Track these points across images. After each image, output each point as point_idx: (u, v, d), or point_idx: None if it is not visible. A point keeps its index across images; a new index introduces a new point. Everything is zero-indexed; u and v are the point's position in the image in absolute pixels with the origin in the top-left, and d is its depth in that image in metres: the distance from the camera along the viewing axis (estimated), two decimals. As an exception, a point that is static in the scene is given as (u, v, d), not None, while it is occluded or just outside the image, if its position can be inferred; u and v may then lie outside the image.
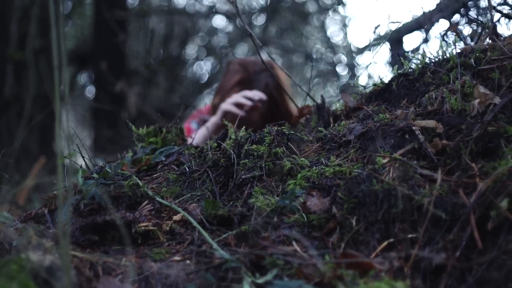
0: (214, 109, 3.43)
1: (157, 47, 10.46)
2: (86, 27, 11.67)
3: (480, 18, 3.21)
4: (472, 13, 3.36)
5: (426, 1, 2.96)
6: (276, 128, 2.04)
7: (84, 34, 11.92)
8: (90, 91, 11.90)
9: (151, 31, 9.76)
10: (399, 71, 2.28)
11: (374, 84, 2.36)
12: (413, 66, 2.26)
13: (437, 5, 3.52)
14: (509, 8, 2.68)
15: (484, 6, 3.03)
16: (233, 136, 2.11)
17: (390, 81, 2.29)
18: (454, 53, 2.19)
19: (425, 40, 3.72)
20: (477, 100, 1.89)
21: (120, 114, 6.98)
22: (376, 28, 4.04)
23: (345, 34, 7.59)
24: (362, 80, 5.09)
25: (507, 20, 2.59)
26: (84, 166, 2.30)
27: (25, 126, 6.79)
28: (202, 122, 3.52)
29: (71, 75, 11.68)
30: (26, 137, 6.96)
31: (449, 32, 3.01)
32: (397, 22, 3.71)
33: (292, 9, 8.20)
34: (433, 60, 2.25)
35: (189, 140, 3.10)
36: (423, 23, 3.64)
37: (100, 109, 7.92)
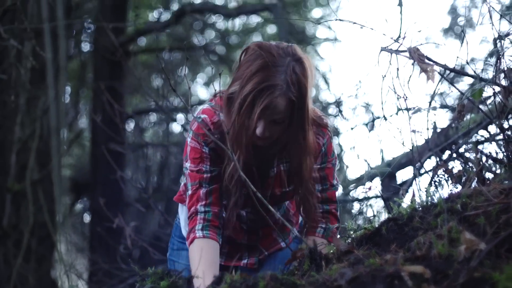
0: (229, 101, 2.77)
1: (153, 176, 10.62)
2: (84, 156, 11.87)
3: (469, 155, 3.30)
4: (461, 151, 3.47)
5: (417, 138, 3.05)
6: (269, 273, 2.08)
7: (83, 163, 12.10)
8: (88, 219, 11.96)
9: (148, 161, 9.92)
10: (388, 216, 2.35)
11: (365, 228, 2.43)
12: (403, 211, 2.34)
13: (426, 142, 3.64)
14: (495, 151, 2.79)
15: (471, 150, 3.14)
16: (228, 281, 2.15)
17: (380, 226, 2.36)
18: (442, 198, 2.27)
19: (416, 176, 3.80)
20: (464, 246, 1.95)
21: (118, 247, 6.99)
22: (369, 165, 4.15)
23: (340, 163, 7.68)
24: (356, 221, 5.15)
25: (493, 163, 2.69)
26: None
27: (23, 255, 6.80)
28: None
29: (69, 203, 11.76)
30: (23, 266, 6.95)
31: (439, 171, 3.10)
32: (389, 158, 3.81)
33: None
34: (421, 205, 2.33)
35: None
36: (413, 160, 3.73)
37: (97, 240, 7.95)
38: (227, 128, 2.74)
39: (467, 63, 2.83)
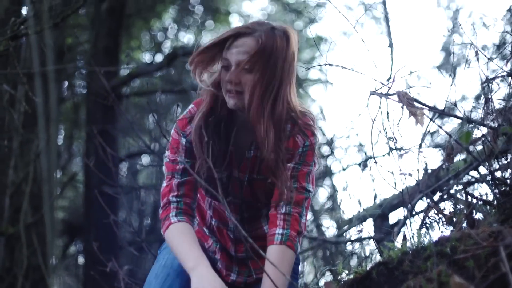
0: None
1: (147, 219, 10.62)
2: (78, 198, 11.86)
3: (459, 196, 3.32)
4: (452, 192, 3.49)
5: (408, 180, 3.08)
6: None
7: (76, 205, 12.09)
8: (81, 262, 11.93)
9: (141, 204, 9.91)
10: (379, 260, 2.37)
11: (356, 272, 2.44)
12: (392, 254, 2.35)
13: (417, 184, 3.65)
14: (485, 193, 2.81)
15: (461, 192, 3.16)
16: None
17: (371, 269, 2.37)
18: (432, 241, 2.28)
19: (408, 218, 3.81)
20: (453, 290, 1.96)
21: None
22: (361, 206, 4.16)
23: (334, 204, 7.70)
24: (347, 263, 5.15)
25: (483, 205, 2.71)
26: None
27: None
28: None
29: (63, 246, 11.72)
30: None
31: (430, 213, 3.12)
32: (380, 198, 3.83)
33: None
34: (411, 249, 2.34)
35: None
36: (404, 201, 3.74)
37: (91, 283, 7.90)
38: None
39: (455, 105, 2.87)
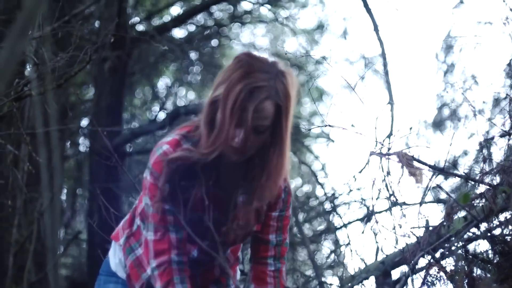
0: (213, 105, 2.55)
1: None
2: (82, 255, 11.86)
3: (460, 253, 3.34)
4: (453, 249, 3.51)
5: (409, 238, 3.11)
6: None
7: (80, 262, 12.08)
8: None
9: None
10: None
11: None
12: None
13: (418, 242, 3.68)
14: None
15: (461, 250, 3.19)
16: None
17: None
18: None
19: (409, 275, 3.82)
20: None
21: None
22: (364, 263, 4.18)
23: (338, 259, 7.69)
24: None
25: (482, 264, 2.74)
26: None
27: None
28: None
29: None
30: None
31: (431, 271, 3.15)
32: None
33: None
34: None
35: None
36: (406, 259, 3.76)
37: None
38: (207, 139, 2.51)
39: (455, 166, 2.92)
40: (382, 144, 2.89)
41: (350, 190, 8.01)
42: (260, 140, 2.55)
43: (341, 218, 8.19)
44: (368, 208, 7.68)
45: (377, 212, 3.30)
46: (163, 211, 2.60)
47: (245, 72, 2.51)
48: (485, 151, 2.93)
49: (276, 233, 2.80)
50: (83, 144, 11.59)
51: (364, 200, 7.78)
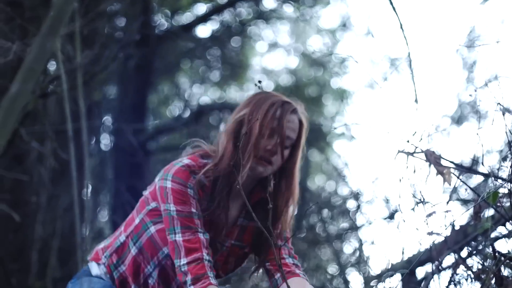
0: (238, 125, 2.71)
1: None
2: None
3: (487, 253, 3.32)
4: (480, 248, 3.48)
5: (435, 238, 3.10)
6: None
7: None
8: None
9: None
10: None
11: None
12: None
13: (445, 240, 3.66)
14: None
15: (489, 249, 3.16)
16: None
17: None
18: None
19: (435, 273, 3.80)
20: None
21: None
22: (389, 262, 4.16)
23: (361, 258, 7.67)
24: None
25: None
26: None
27: None
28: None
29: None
30: None
31: (458, 270, 3.13)
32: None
33: (304, 239, 8.41)
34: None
35: None
36: (433, 257, 3.74)
37: None
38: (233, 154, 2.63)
39: (482, 163, 2.90)
40: (411, 143, 2.88)
41: (374, 189, 7.97)
42: (284, 156, 2.68)
43: (365, 216, 8.16)
44: (392, 207, 7.65)
45: (402, 213, 3.27)
46: (191, 214, 2.65)
47: (267, 96, 2.70)
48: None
49: (281, 239, 2.85)
50: (108, 141, 11.62)
51: (388, 199, 7.74)
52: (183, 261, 2.63)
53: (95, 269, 2.91)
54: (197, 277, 2.60)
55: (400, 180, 2.85)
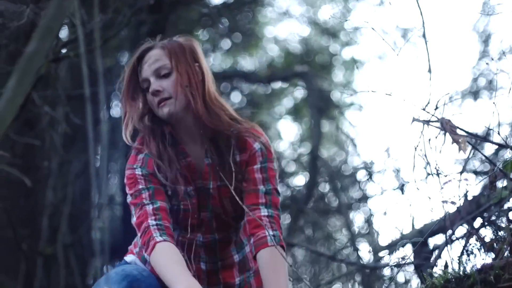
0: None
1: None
2: (115, 220, 11.94)
3: (500, 223, 3.30)
4: (493, 219, 3.47)
5: (448, 207, 3.07)
6: None
7: (114, 226, 12.17)
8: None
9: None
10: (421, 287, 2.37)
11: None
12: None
13: (458, 211, 3.65)
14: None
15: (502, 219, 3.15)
16: None
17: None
18: (475, 269, 2.28)
19: (448, 243, 3.79)
20: (498, 319, 1.96)
21: None
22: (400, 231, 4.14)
23: (370, 228, 7.67)
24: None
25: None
26: None
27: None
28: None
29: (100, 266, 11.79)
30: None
31: (471, 240, 3.11)
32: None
33: (315, 208, 8.43)
34: (454, 276, 2.34)
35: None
36: (445, 227, 3.73)
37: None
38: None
39: (498, 133, 2.87)
40: (426, 111, 2.85)
41: (386, 158, 7.95)
42: (175, 79, 2.78)
43: (376, 186, 8.15)
44: (404, 177, 7.63)
45: (416, 183, 3.25)
46: (139, 191, 2.77)
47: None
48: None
49: (263, 184, 2.82)
50: (119, 108, 11.61)
51: (400, 169, 7.72)
52: (139, 238, 2.73)
53: (129, 258, 3.01)
54: (147, 245, 2.65)
55: (415, 148, 2.82)
